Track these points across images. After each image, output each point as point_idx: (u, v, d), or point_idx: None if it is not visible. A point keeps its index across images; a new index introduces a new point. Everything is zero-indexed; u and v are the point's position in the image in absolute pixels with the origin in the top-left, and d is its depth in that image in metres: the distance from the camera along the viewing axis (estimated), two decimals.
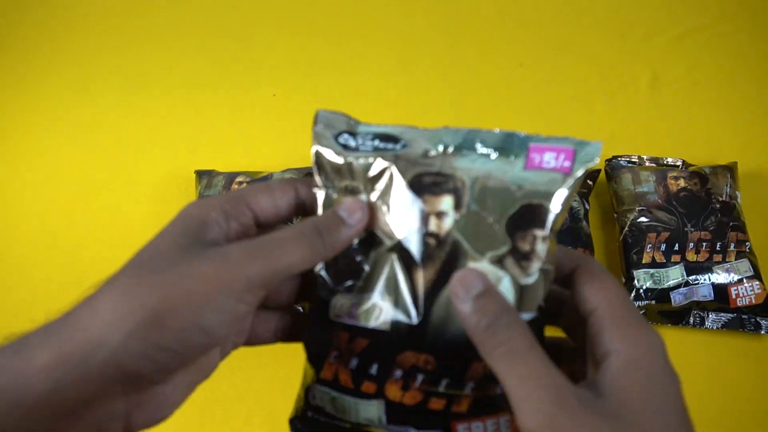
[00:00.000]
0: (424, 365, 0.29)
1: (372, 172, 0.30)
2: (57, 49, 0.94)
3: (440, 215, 0.29)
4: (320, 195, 0.31)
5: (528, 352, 0.25)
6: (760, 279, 0.63)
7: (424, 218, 0.29)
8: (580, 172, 0.28)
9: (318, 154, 0.31)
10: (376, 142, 0.31)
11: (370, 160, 0.30)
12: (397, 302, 0.29)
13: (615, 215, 0.69)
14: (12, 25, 0.97)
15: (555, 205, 0.28)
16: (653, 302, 0.63)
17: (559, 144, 0.29)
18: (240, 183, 0.72)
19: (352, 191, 0.31)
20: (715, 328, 0.63)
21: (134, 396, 0.26)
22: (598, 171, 0.72)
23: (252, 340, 0.33)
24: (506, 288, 0.28)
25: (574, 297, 0.29)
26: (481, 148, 0.30)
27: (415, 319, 0.29)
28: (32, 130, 0.86)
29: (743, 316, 0.63)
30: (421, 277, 0.29)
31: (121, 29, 0.96)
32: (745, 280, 0.62)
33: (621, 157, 0.74)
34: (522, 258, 0.28)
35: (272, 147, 0.81)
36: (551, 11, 0.93)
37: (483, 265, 0.28)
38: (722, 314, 0.63)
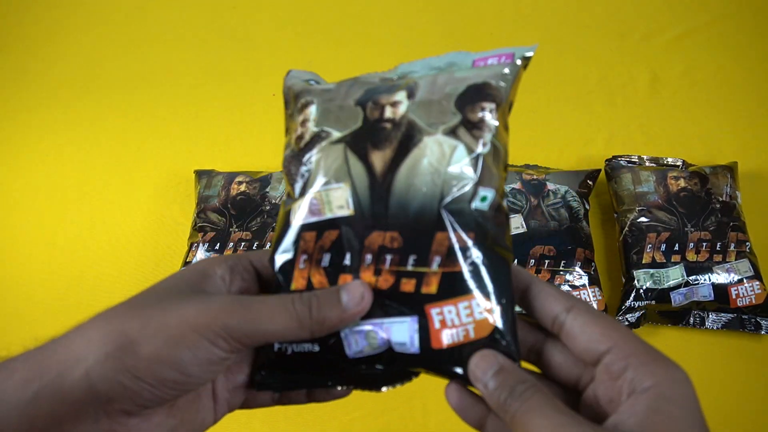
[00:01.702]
0: (391, 243, 0.30)
1: (328, 87, 0.34)
2: (57, 49, 0.94)
3: (395, 104, 0.32)
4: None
5: (545, 406, 0.26)
6: (760, 279, 0.62)
7: (380, 109, 0.32)
8: (519, 60, 0.32)
9: (288, 89, 0.35)
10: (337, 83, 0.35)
11: (330, 86, 0.34)
12: (355, 186, 0.31)
13: (615, 215, 0.69)
14: (12, 25, 0.97)
15: (499, 82, 0.31)
16: (653, 302, 0.63)
17: (500, 51, 0.33)
18: (239, 183, 0.72)
19: (305, 105, 0.34)
20: (715, 328, 0.63)
21: (106, 424, 0.27)
22: (598, 171, 0.72)
23: (249, 404, 0.34)
24: (461, 154, 0.30)
25: (576, 338, 0.29)
26: (432, 68, 0.34)
27: (376, 198, 0.31)
28: (32, 130, 0.86)
29: (743, 317, 0.63)
30: (378, 158, 0.31)
31: (122, 29, 0.96)
32: (745, 281, 0.62)
33: (621, 157, 0.73)
34: (473, 127, 0.30)
35: (272, 147, 0.81)
36: (551, 11, 0.93)
37: (438, 137, 0.31)
38: (722, 314, 0.63)
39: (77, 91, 0.89)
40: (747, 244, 0.64)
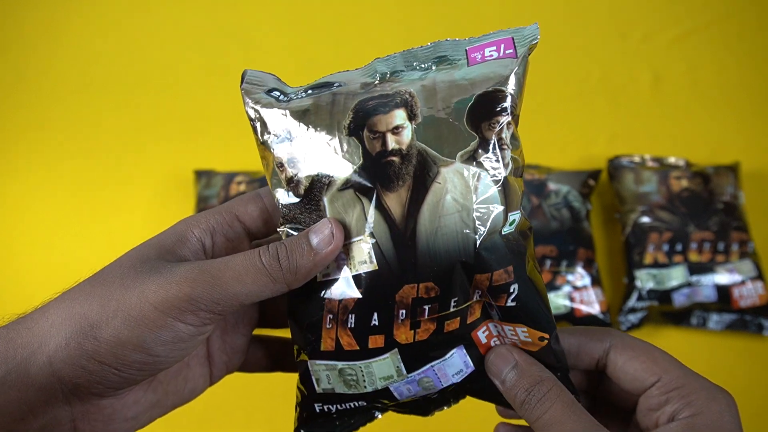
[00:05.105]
0: (427, 293, 0.27)
1: (302, 105, 0.29)
2: (56, 48, 0.93)
3: (397, 130, 0.27)
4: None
5: (564, 419, 0.26)
6: (763, 280, 0.62)
7: (381, 139, 0.27)
8: (523, 51, 0.28)
9: (253, 111, 0.30)
10: (310, 92, 0.29)
11: (306, 102, 0.29)
12: (375, 237, 0.27)
13: (617, 215, 0.69)
14: (12, 24, 0.97)
15: (510, 86, 0.27)
16: (656, 303, 0.63)
17: (495, 38, 0.29)
18: (239, 183, 0.72)
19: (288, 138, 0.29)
20: (718, 329, 0.63)
21: (78, 406, 0.26)
22: (600, 170, 0.72)
23: (247, 367, 0.33)
24: (487, 183, 0.27)
25: (620, 377, 0.29)
26: (418, 66, 0.29)
27: (401, 249, 0.27)
28: (31, 130, 0.85)
29: (746, 318, 0.62)
30: (394, 201, 0.27)
31: (121, 28, 0.95)
32: (748, 281, 0.62)
33: (623, 156, 0.73)
34: (494, 148, 0.27)
35: None
36: (552, 10, 0.93)
37: (457, 166, 0.27)
38: (725, 315, 0.63)
39: (76, 90, 0.89)
40: (750, 244, 0.64)
